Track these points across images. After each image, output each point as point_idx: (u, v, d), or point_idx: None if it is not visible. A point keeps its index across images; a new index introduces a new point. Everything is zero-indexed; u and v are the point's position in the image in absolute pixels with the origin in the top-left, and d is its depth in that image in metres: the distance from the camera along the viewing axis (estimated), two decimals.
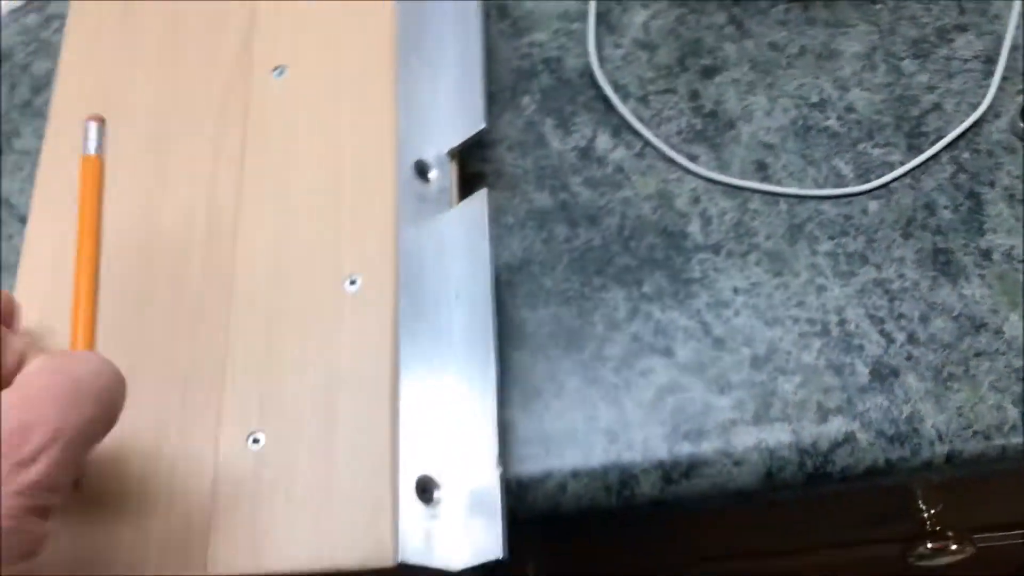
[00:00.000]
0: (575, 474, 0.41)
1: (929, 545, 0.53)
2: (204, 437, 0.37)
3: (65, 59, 0.48)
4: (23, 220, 0.48)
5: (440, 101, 0.45)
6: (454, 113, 0.45)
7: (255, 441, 0.37)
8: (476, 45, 0.46)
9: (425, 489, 0.35)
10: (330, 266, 0.40)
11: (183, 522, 0.36)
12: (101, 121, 0.37)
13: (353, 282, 0.40)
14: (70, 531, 0.36)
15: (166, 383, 0.39)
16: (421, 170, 0.43)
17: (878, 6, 0.51)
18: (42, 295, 0.42)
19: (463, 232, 0.41)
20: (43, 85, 0.52)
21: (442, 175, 0.44)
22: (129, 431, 0.38)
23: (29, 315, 0.39)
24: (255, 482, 0.36)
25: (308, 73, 0.45)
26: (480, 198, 0.41)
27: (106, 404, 0.30)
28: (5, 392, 0.28)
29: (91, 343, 0.34)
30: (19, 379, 0.29)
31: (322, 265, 0.40)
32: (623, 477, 0.41)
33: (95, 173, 0.37)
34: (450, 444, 0.37)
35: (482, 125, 0.43)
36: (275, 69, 0.45)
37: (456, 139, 0.44)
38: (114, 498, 0.37)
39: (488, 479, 0.35)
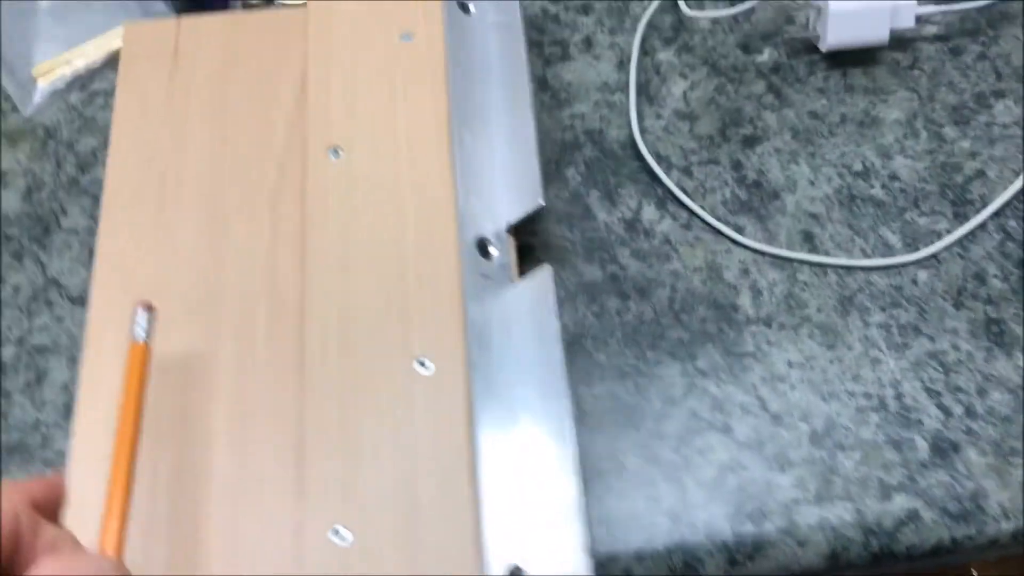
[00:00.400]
0: (639, 557, 0.40)
1: None
2: (283, 528, 0.37)
3: (114, 142, 0.48)
4: (73, 300, 0.48)
5: (496, 176, 0.45)
6: (510, 188, 0.45)
7: (336, 533, 0.36)
8: (528, 119, 0.46)
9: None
10: (399, 347, 0.40)
11: None
12: (150, 309, 0.38)
13: (423, 363, 0.40)
14: None
15: (240, 471, 0.39)
16: (483, 247, 0.43)
17: (916, 72, 0.51)
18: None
19: (528, 309, 0.41)
20: (89, 163, 0.52)
21: (502, 251, 0.44)
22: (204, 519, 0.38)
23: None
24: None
25: (364, 153, 0.45)
26: (544, 275, 0.41)
27: None
28: None
29: (118, 542, 0.33)
30: None
31: (391, 347, 0.40)
32: (687, 559, 0.40)
33: (141, 361, 0.38)
34: (535, 531, 0.37)
35: (540, 202, 0.43)
36: (330, 149, 0.45)
37: (514, 214, 0.44)
38: None
39: (578, 567, 0.35)
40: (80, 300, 0.48)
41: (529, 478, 0.38)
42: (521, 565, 0.36)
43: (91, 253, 0.49)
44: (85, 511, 0.35)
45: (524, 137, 0.46)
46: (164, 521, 0.38)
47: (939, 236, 0.46)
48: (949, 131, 0.49)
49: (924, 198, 0.48)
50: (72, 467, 0.40)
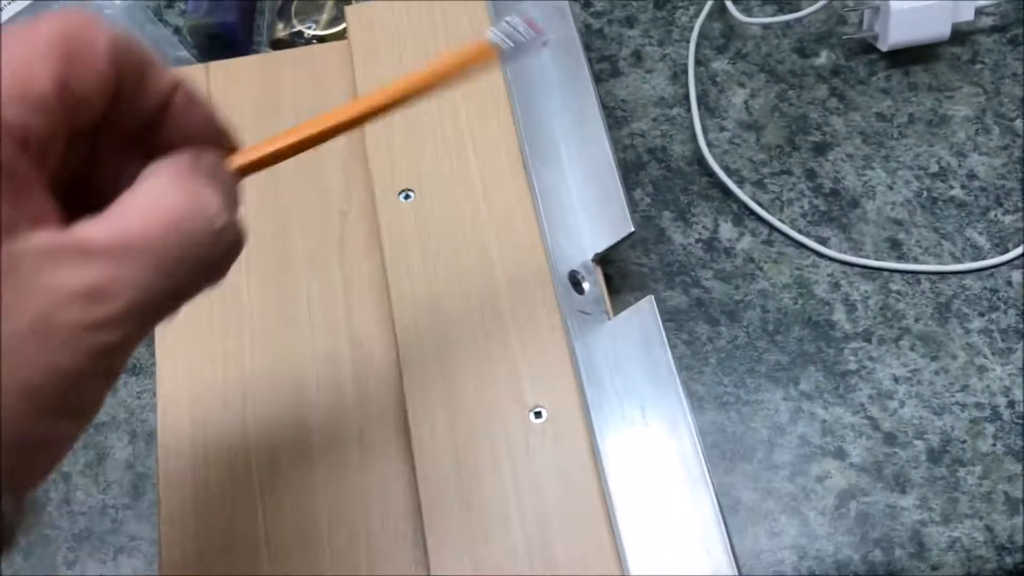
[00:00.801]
0: None
1: None
2: None
3: None
4: (127, 370, 0.45)
5: (576, 205, 0.43)
6: (592, 216, 0.43)
7: None
8: (602, 141, 0.44)
9: None
10: (509, 398, 0.38)
11: None
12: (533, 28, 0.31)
13: (539, 414, 0.37)
14: None
15: (348, 544, 0.37)
16: (575, 282, 0.41)
17: (977, 66, 0.50)
18: None
19: (636, 342, 0.39)
20: None
21: (593, 284, 0.42)
22: None
23: None
24: None
25: (437, 194, 0.43)
26: (648, 305, 0.39)
27: (209, 269, 0.25)
28: (96, 230, 0.22)
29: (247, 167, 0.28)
30: (125, 209, 0.23)
31: (501, 398, 0.38)
32: None
33: (479, 56, 0.30)
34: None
35: (630, 229, 0.41)
36: (400, 193, 0.43)
37: (601, 244, 0.42)
38: None
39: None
40: (135, 370, 0.45)
41: (669, 522, 0.36)
42: None
43: None
44: None
45: (600, 160, 0.44)
46: None
47: None
48: (1020, 124, 0.48)
49: (1006, 195, 0.46)
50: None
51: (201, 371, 0.42)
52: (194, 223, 0.24)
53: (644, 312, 0.40)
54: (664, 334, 0.39)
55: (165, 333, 0.43)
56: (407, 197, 0.43)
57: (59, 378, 0.21)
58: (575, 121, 0.45)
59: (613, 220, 0.42)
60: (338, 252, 0.44)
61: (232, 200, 0.26)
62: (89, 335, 0.22)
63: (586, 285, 0.42)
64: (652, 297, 0.40)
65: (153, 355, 0.44)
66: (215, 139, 0.27)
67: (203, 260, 0.24)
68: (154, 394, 0.44)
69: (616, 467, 0.37)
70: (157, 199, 0.24)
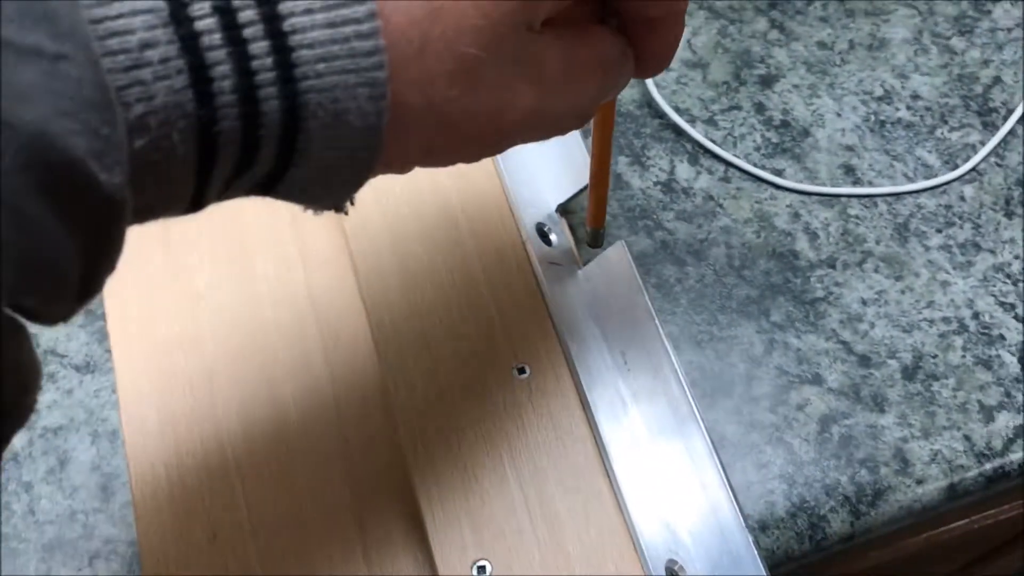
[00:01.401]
0: (763, 526, 0.39)
1: None
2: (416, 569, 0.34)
3: None
4: (79, 368, 0.43)
5: (536, 158, 0.42)
6: (555, 168, 0.42)
7: (481, 570, 0.33)
8: None
9: (674, 575, 0.33)
10: (490, 357, 0.37)
11: None
12: None
13: (522, 370, 0.37)
14: None
15: (337, 519, 0.36)
16: (542, 234, 0.40)
17: None
18: None
19: (609, 289, 0.39)
20: None
21: (560, 235, 0.41)
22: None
23: None
24: None
25: None
26: (619, 250, 0.39)
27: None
28: None
29: None
30: None
31: (482, 358, 0.37)
32: (812, 520, 0.39)
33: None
34: (685, 518, 0.34)
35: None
36: None
37: (563, 195, 0.41)
38: None
39: (737, 545, 0.33)
40: (89, 368, 0.43)
41: (664, 463, 0.35)
42: (677, 558, 0.34)
43: (88, 314, 0.44)
44: None
45: None
46: None
47: (974, 149, 0.46)
48: (957, 42, 0.49)
49: (950, 113, 0.47)
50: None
51: (161, 360, 0.40)
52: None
53: (616, 258, 0.40)
54: (639, 278, 0.39)
55: (118, 325, 0.41)
56: None
57: None
58: None
59: (573, 169, 0.42)
60: (291, 224, 0.42)
61: None
62: None
63: (553, 236, 0.41)
64: (623, 242, 0.39)
65: (107, 351, 0.42)
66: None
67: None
68: (113, 391, 0.42)
69: (606, 414, 0.37)
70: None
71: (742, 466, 0.40)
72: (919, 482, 0.39)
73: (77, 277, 0.22)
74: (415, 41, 0.23)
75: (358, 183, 0.25)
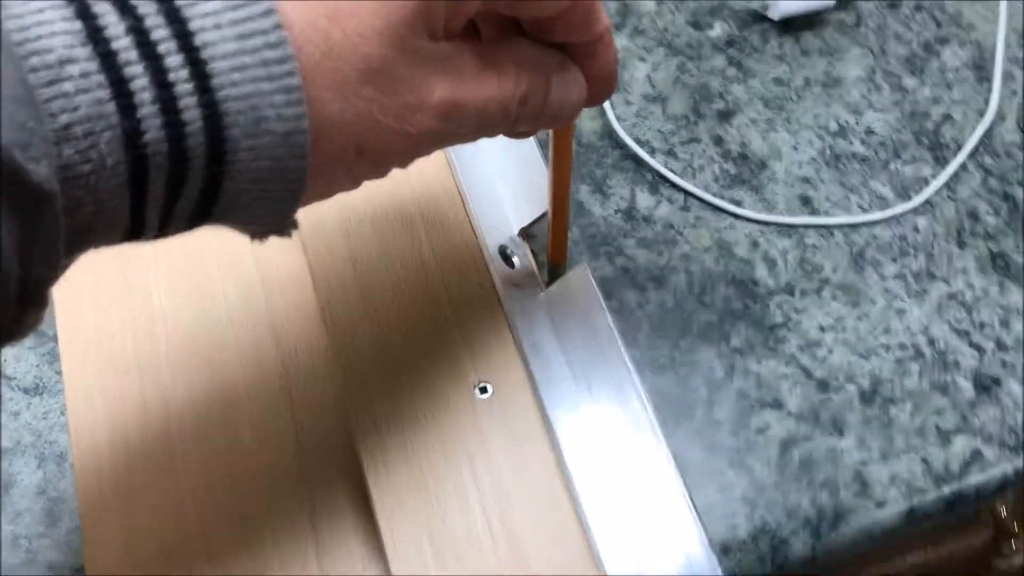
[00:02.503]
0: (725, 549, 0.39)
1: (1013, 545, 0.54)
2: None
3: None
4: (27, 391, 0.42)
5: (498, 181, 0.43)
6: (517, 192, 0.42)
7: None
8: None
9: None
10: (451, 377, 0.37)
11: None
12: None
13: (484, 390, 0.37)
14: None
15: (295, 541, 0.35)
16: (505, 256, 0.40)
17: (863, 29, 0.52)
18: None
19: (574, 310, 0.39)
20: None
21: (522, 258, 0.41)
22: None
23: None
24: None
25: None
26: (581, 272, 0.39)
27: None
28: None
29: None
30: None
31: (443, 378, 0.37)
32: (774, 543, 0.39)
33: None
34: (648, 535, 0.34)
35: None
36: None
37: (525, 219, 0.42)
38: None
39: (702, 562, 0.33)
40: (38, 390, 0.42)
41: (629, 486, 0.35)
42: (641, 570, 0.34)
43: (38, 335, 0.43)
44: None
45: (520, 144, 0.43)
46: None
47: (926, 182, 0.47)
48: (908, 81, 0.50)
49: (903, 147, 0.48)
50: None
51: (114, 381, 0.39)
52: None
53: (579, 280, 0.40)
54: (602, 299, 0.39)
55: (71, 344, 0.40)
56: None
57: None
58: None
59: (535, 192, 0.42)
60: (251, 247, 0.42)
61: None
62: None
63: (516, 259, 0.41)
64: (585, 264, 0.39)
65: (58, 372, 0.41)
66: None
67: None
68: (62, 413, 0.41)
69: (568, 437, 0.36)
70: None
71: (704, 490, 0.40)
72: (879, 504, 0.40)
73: (15, 277, 0.21)
74: (321, 45, 0.24)
75: (294, 197, 0.25)
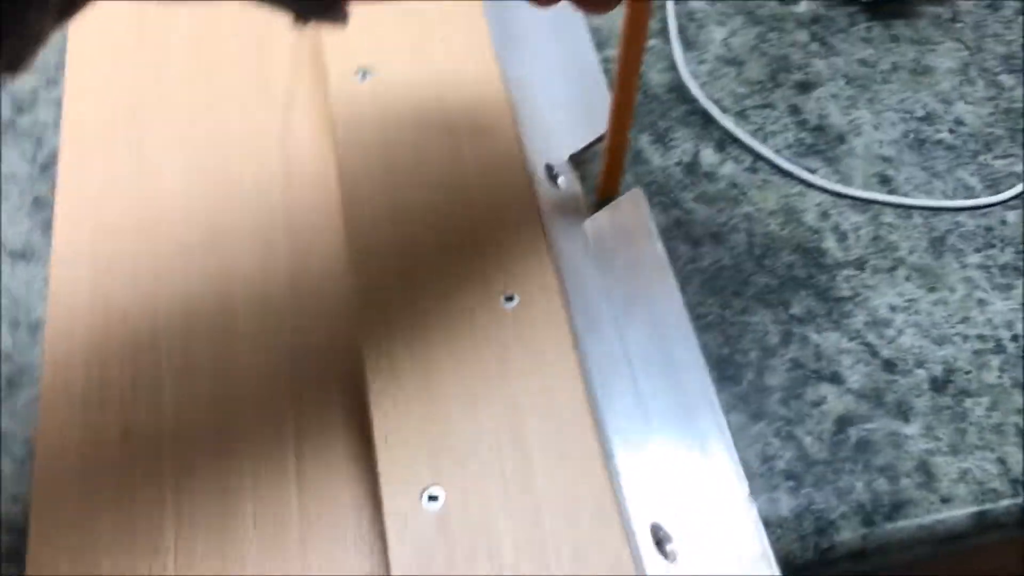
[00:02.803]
0: (764, 525, 0.33)
1: None
2: (353, 497, 0.29)
3: (72, 77, 0.39)
4: (14, 255, 0.38)
5: (556, 105, 0.39)
6: (573, 117, 0.39)
7: (432, 499, 0.28)
8: (586, 44, 0.41)
9: (659, 542, 0.28)
10: (477, 282, 0.33)
11: None
12: None
13: (510, 298, 0.32)
14: None
15: (270, 428, 0.31)
16: (550, 174, 0.37)
17: (959, 25, 0.49)
18: None
19: (618, 236, 0.35)
20: (28, 103, 0.43)
21: (568, 181, 0.37)
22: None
23: None
24: (445, 548, 0.27)
25: (400, 76, 0.38)
26: (635, 197, 0.35)
27: None
28: None
29: None
30: None
31: (467, 281, 0.33)
32: (819, 524, 0.34)
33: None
34: (674, 481, 0.29)
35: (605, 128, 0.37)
36: (358, 71, 0.38)
37: (578, 143, 0.38)
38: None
39: (740, 518, 0.28)
40: (25, 256, 0.38)
41: (660, 417, 0.30)
42: (663, 522, 0.28)
43: (36, 202, 0.40)
44: None
45: (586, 63, 0.40)
46: None
47: (1019, 178, 0.43)
48: (1005, 79, 0.47)
49: (995, 142, 0.44)
50: None
51: (106, 245, 0.36)
52: None
53: (629, 205, 0.36)
54: (654, 226, 0.35)
55: (66, 204, 0.36)
56: (364, 76, 0.39)
57: None
58: (556, 27, 0.42)
59: (593, 117, 0.38)
60: (281, 137, 0.38)
61: None
62: None
63: (561, 180, 0.37)
64: (640, 189, 0.36)
65: (49, 240, 0.38)
66: None
67: None
68: (45, 283, 0.37)
69: (598, 357, 0.32)
70: None
71: (744, 456, 0.35)
72: (944, 500, 0.34)
73: None
74: None
75: None
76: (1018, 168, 0.43)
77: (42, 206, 0.39)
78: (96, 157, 0.38)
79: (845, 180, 0.42)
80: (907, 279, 0.40)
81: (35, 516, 0.30)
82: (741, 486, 0.29)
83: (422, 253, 0.34)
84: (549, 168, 0.37)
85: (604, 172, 0.37)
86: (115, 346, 0.33)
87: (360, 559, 0.29)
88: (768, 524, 0.33)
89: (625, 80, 0.33)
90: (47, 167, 0.40)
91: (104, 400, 0.32)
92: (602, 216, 0.36)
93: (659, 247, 0.34)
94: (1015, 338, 0.38)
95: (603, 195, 0.38)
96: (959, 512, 0.34)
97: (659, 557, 0.27)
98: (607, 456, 0.30)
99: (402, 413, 0.30)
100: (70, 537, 0.29)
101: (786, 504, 0.34)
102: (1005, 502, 0.35)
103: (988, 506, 0.34)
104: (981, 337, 0.38)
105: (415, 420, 0.30)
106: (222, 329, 0.34)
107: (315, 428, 0.32)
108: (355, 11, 0.39)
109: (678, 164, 0.43)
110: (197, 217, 0.36)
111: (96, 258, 0.35)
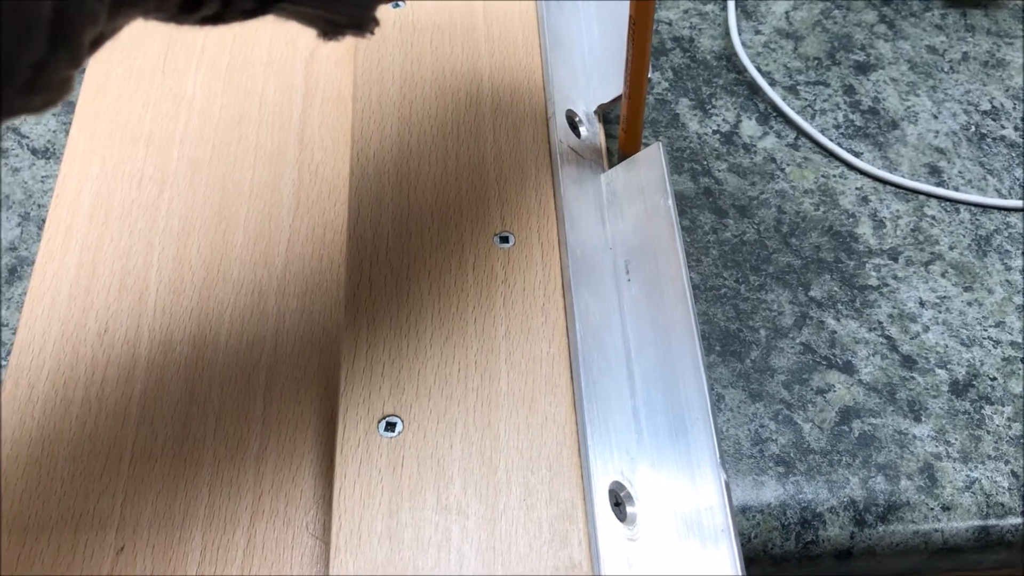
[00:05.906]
0: (744, 508, 0.32)
1: None
2: (306, 417, 0.28)
3: None
4: (35, 152, 0.39)
5: (590, 56, 0.38)
6: (606, 71, 0.37)
7: (389, 427, 0.27)
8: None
9: (618, 502, 0.26)
10: (473, 219, 0.32)
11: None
12: None
13: (505, 239, 0.31)
14: None
15: (247, 342, 0.30)
16: (572, 122, 0.35)
17: None
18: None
19: (630, 191, 0.33)
20: None
21: (590, 132, 0.36)
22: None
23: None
24: (392, 477, 0.26)
25: (431, 6, 0.37)
26: (654, 152, 0.33)
27: None
28: None
29: None
30: None
31: (462, 217, 0.32)
32: (804, 516, 0.32)
33: None
34: (644, 443, 0.28)
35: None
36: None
37: (606, 95, 0.36)
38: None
39: (707, 491, 0.26)
40: (45, 153, 0.39)
41: (642, 378, 0.29)
42: (628, 483, 0.27)
43: (66, 104, 0.40)
44: None
45: (620, 17, 0.38)
46: None
47: None
48: None
49: None
50: None
51: (119, 149, 0.36)
52: None
53: (649, 159, 0.34)
54: (669, 183, 0.33)
55: (85, 108, 0.36)
56: (397, 4, 0.38)
57: None
58: None
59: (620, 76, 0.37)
60: (304, 59, 0.38)
61: None
62: None
63: (583, 129, 0.36)
64: (661, 144, 0.34)
65: (67, 136, 0.38)
66: None
67: None
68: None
69: (587, 308, 0.31)
70: None
71: (736, 435, 0.33)
72: (945, 508, 0.32)
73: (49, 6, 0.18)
74: None
75: None
76: None
77: (70, 108, 0.40)
78: (121, 58, 0.38)
79: (892, 167, 0.40)
80: (943, 275, 0.37)
81: (5, 404, 0.30)
82: (715, 461, 0.27)
83: (423, 183, 0.33)
84: (571, 115, 0.36)
85: (623, 129, 0.35)
86: (108, 242, 0.33)
87: (318, 489, 0.28)
88: (748, 508, 0.32)
89: (640, 36, 0.32)
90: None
91: (92, 297, 0.32)
92: (619, 170, 0.35)
93: (670, 204, 0.32)
94: None
95: (625, 151, 0.36)
96: (960, 524, 0.32)
97: (612, 516, 0.26)
98: (579, 410, 0.28)
99: (374, 339, 0.29)
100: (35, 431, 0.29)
101: (771, 490, 0.32)
102: (1013, 519, 0.32)
103: (993, 521, 0.32)
104: (1014, 344, 0.35)
105: (386, 349, 0.29)
106: (220, 240, 0.33)
107: (289, 347, 0.31)
108: None
109: (716, 132, 0.41)
110: (213, 124, 0.36)
111: (105, 159, 0.35)
